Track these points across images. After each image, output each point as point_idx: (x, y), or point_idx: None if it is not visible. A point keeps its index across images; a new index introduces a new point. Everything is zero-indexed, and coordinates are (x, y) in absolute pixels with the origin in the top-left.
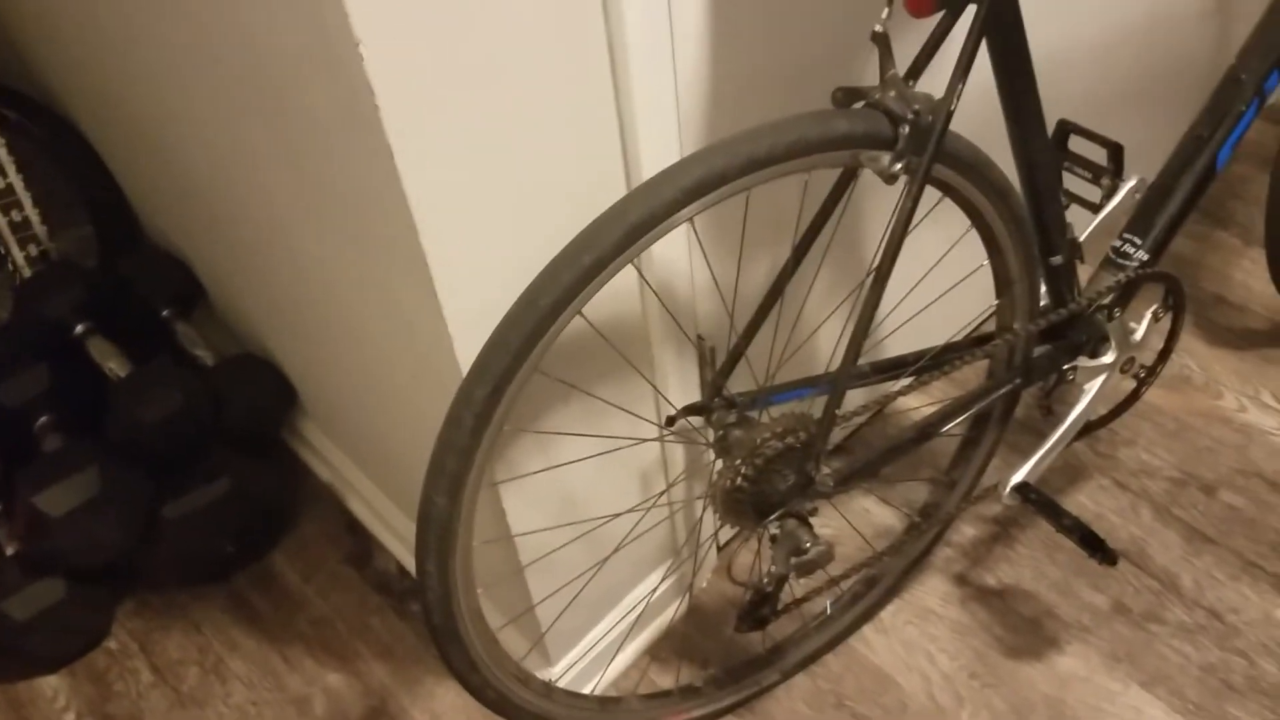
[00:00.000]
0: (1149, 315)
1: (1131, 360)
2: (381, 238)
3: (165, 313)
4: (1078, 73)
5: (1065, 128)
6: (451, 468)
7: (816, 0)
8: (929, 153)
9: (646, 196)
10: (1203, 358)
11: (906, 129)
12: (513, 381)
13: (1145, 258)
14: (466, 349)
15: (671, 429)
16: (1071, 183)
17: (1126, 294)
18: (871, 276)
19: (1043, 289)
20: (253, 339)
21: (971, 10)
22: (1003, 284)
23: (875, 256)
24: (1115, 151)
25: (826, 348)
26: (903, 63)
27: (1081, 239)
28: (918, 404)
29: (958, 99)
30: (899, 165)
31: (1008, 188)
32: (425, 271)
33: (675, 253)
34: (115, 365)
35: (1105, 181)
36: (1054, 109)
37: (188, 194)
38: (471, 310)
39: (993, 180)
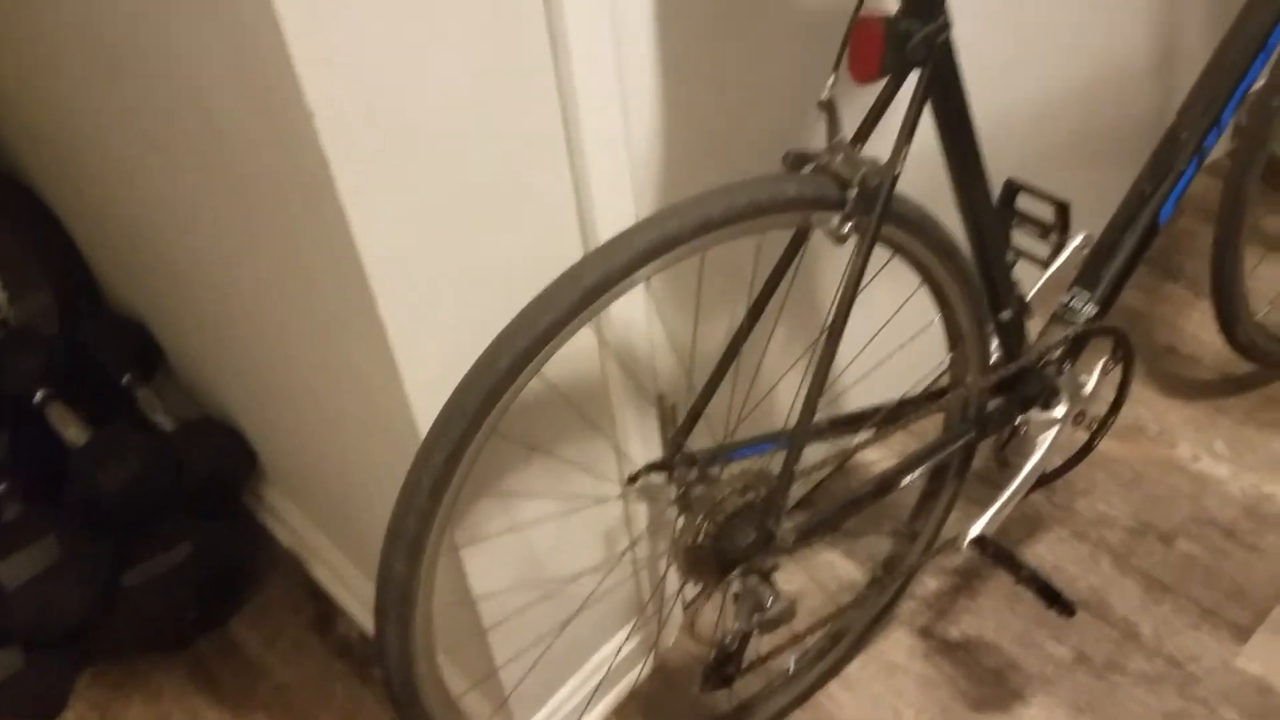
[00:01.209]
0: (1099, 368)
1: (1083, 413)
2: (339, 304)
3: (126, 378)
4: (1025, 131)
5: (1013, 185)
6: (410, 532)
7: (766, 67)
8: (876, 215)
9: (602, 259)
10: (1156, 408)
11: (854, 192)
12: (471, 445)
13: (1093, 312)
14: (425, 412)
15: (633, 486)
16: (1021, 239)
17: (1076, 348)
18: (825, 334)
19: (995, 343)
20: (214, 402)
21: (915, 76)
22: (954, 339)
23: (829, 314)
24: (1062, 209)
25: (788, 401)
26: (853, 125)
27: (1031, 294)
28: (880, 456)
29: (903, 162)
30: (848, 227)
31: (955, 246)
32: (383, 338)
33: (634, 311)
34: (74, 432)
35: (1053, 237)
36: (1002, 166)
37: (148, 260)
38: (429, 374)
39: (940, 239)
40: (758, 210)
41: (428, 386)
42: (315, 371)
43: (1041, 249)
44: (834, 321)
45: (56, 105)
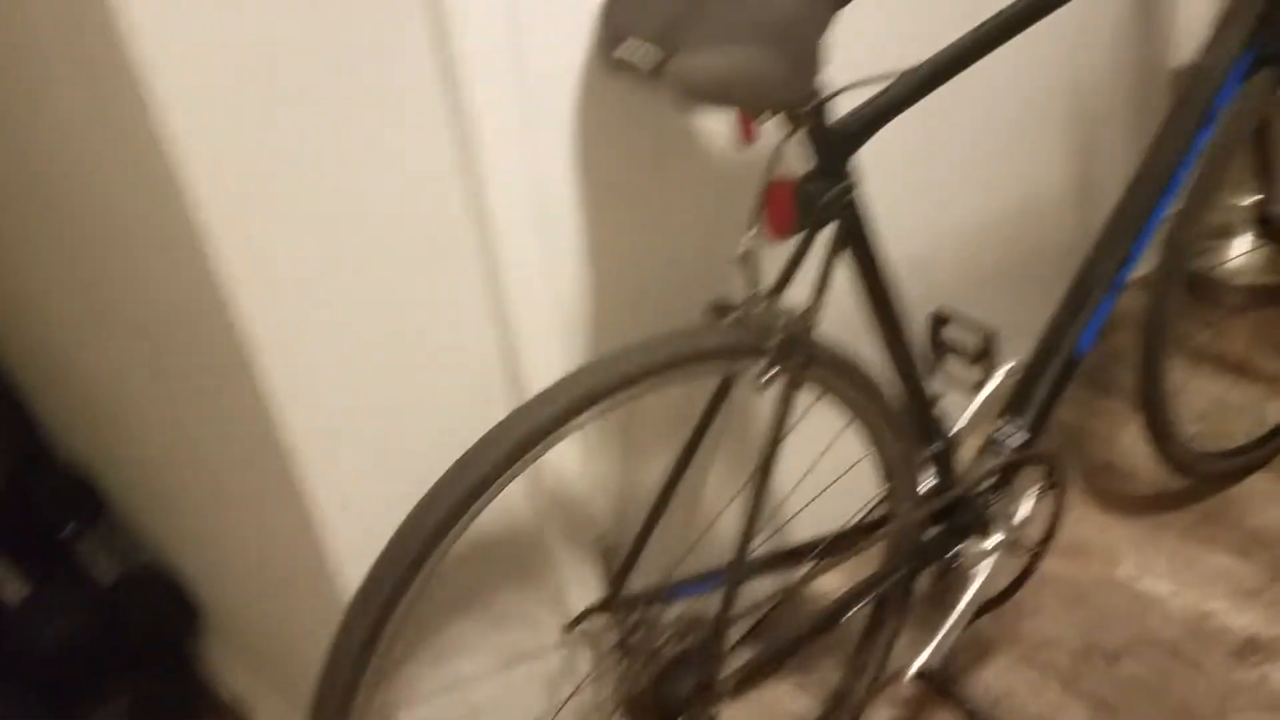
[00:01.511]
0: (1032, 495)
1: (1018, 540)
2: (263, 466)
3: (68, 528)
4: (952, 260)
5: (941, 316)
6: (334, 702)
7: (689, 222)
8: (796, 363)
9: (528, 416)
10: (1098, 525)
11: (774, 341)
12: (399, 606)
13: (1022, 440)
14: (353, 573)
15: (573, 632)
16: (953, 367)
17: (1007, 476)
18: (754, 478)
19: (929, 473)
20: (156, 550)
21: (828, 229)
22: (886, 472)
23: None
24: (988, 338)
25: (730, 537)
26: (774, 275)
27: (962, 424)
28: (838, 583)
29: (820, 311)
30: (769, 376)
31: (878, 385)
32: (303, 501)
33: (568, 455)
34: (14, 587)
35: (981, 366)
36: (930, 296)
37: (93, 411)
38: (355, 536)
39: (863, 379)
40: (680, 363)
41: (354, 547)
42: (252, 529)
43: (973, 377)
44: (761, 465)
45: (4, 274)
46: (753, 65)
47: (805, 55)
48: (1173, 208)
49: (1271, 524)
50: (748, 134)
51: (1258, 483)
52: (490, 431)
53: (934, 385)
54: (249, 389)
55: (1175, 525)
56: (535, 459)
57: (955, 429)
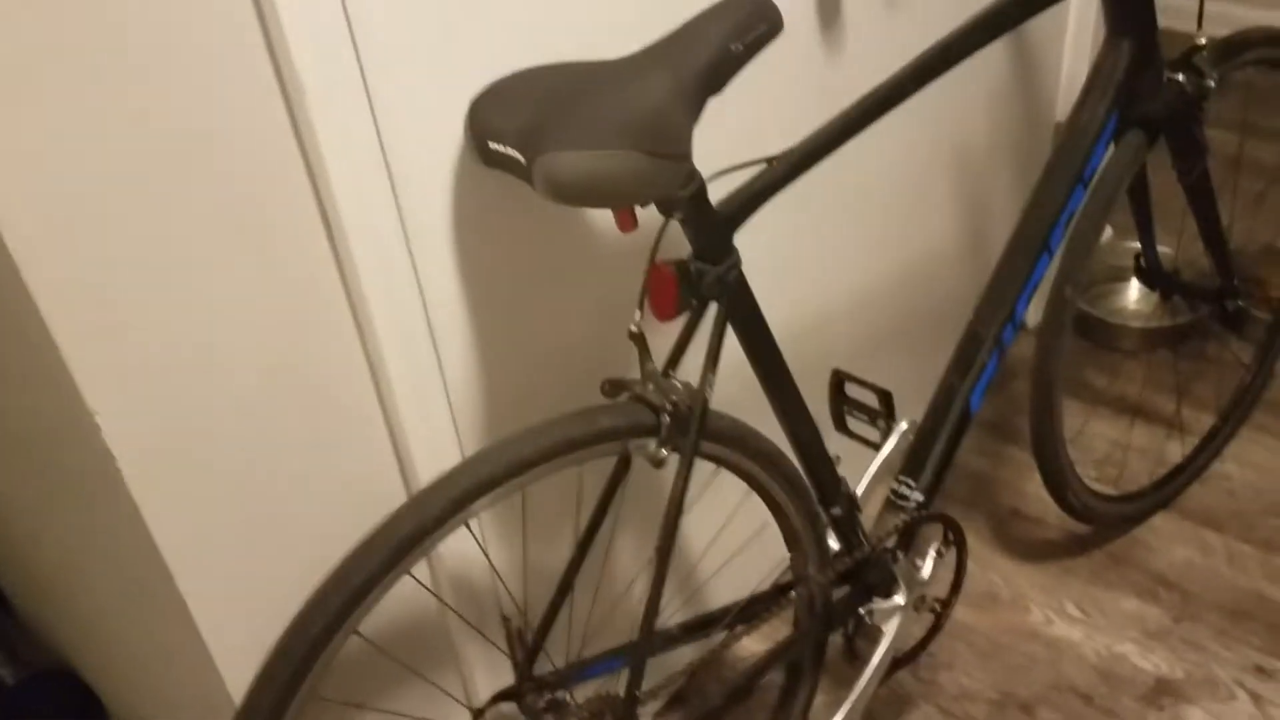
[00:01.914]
0: (933, 552)
1: (923, 597)
2: (145, 575)
3: None
4: (849, 322)
5: (839, 376)
6: None
7: (579, 304)
8: (691, 437)
9: (415, 511)
10: (1007, 573)
11: (667, 418)
12: (289, 707)
13: (920, 499)
14: (240, 681)
15: (483, 719)
16: (856, 426)
17: (908, 535)
18: (655, 554)
19: (834, 536)
20: (59, 651)
21: (714, 307)
22: (790, 538)
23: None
24: (885, 398)
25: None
26: (665, 351)
27: (865, 483)
28: (748, 652)
29: (711, 385)
30: (664, 452)
31: (776, 453)
32: (186, 614)
33: (467, 540)
34: None
35: (880, 425)
36: (829, 358)
37: None
38: (239, 644)
39: (759, 449)
40: (572, 445)
41: (240, 655)
42: (141, 633)
43: (874, 436)
44: (661, 541)
45: None
46: (619, 166)
47: (672, 149)
48: (1054, 264)
49: (1176, 564)
50: (627, 223)
51: (1161, 523)
52: (377, 528)
53: (834, 448)
54: (122, 501)
55: (1083, 569)
56: (427, 552)
57: (857, 490)
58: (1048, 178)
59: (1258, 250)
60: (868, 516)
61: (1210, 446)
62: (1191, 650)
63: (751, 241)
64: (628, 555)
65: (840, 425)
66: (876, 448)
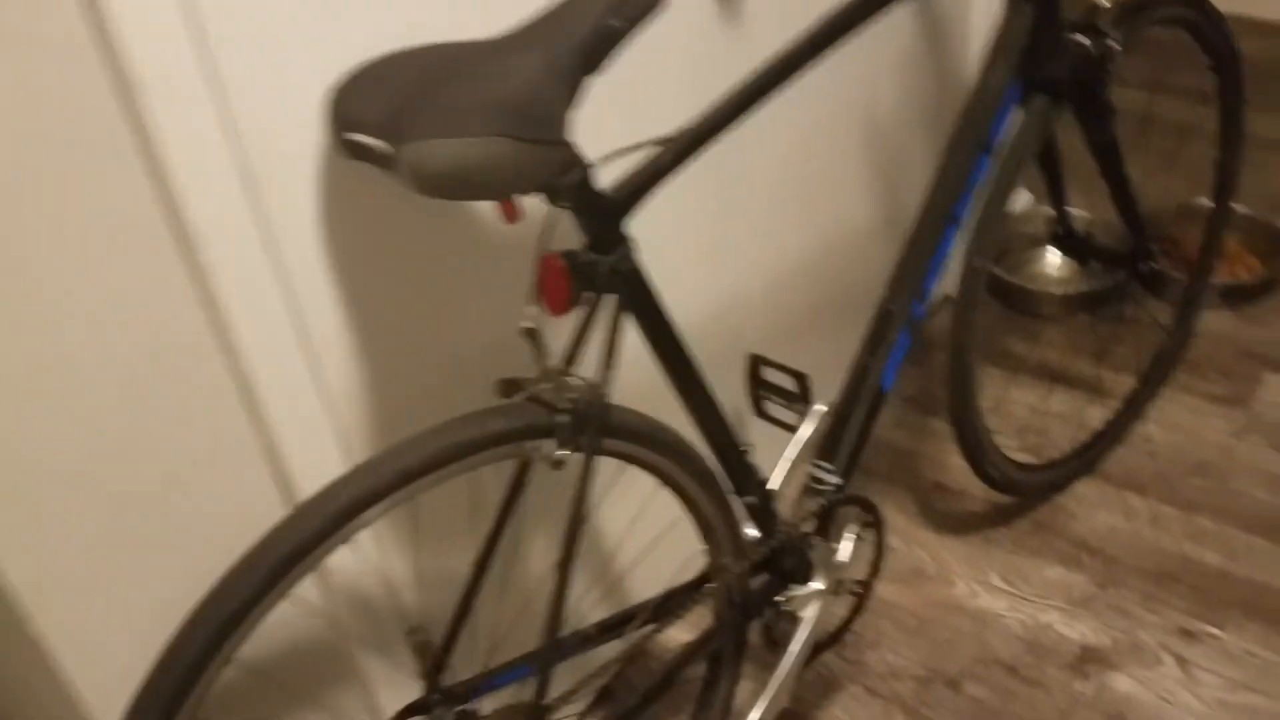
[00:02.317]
0: (852, 535)
1: (843, 580)
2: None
3: None
4: (763, 304)
5: (755, 361)
6: None
7: (467, 301)
8: (591, 435)
9: (293, 528)
10: (932, 547)
11: (565, 417)
12: None
13: (838, 482)
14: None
15: None
16: (776, 410)
17: (826, 518)
18: (559, 558)
19: (750, 524)
20: None
21: (611, 297)
22: (704, 530)
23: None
24: (800, 380)
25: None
26: (563, 347)
27: (780, 469)
28: (672, 645)
29: (610, 380)
30: (564, 452)
31: (683, 446)
32: (45, 653)
33: (364, 553)
34: None
35: (797, 408)
36: (745, 342)
37: None
38: (107, 681)
39: (665, 443)
40: (463, 452)
41: (106, 694)
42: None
43: (792, 420)
44: (562, 551)
45: None
46: (487, 154)
47: (545, 134)
48: (964, 235)
49: (1100, 529)
50: (510, 213)
51: (1085, 488)
52: (250, 549)
53: (749, 434)
54: None
55: (1006, 539)
56: (309, 570)
57: (776, 476)
58: (952, 148)
59: (1173, 209)
60: (790, 501)
61: (1131, 409)
62: (1117, 616)
63: (652, 226)
64: (538, 556)
65: (759, 410)
66: (794, 431)
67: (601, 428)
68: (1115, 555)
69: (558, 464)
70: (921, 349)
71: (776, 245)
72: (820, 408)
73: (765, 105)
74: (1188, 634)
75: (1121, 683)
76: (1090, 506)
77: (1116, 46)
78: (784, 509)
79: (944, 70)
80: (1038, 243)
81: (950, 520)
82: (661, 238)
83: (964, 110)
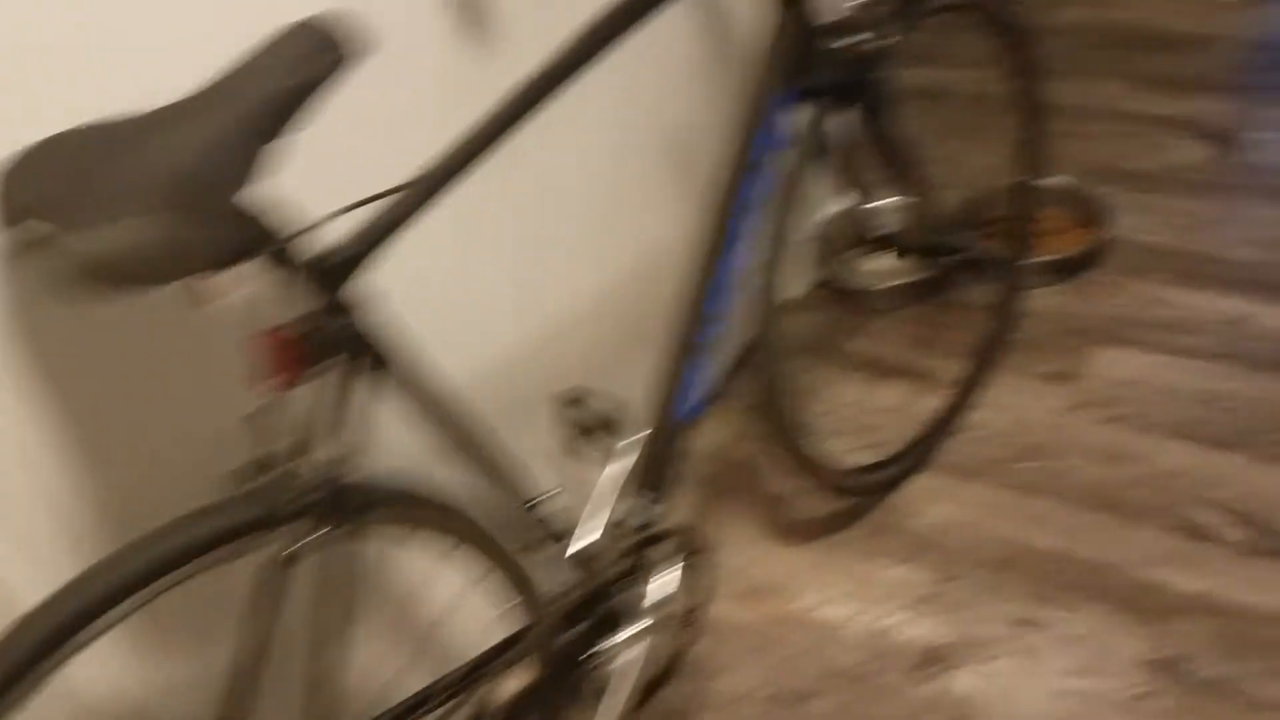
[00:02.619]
0: (673, 567)
1: (667, 615)
2: None
3: None
4: (578, 336)
5: (571, 395)
6: None
7: (191, 387)
8: (347, 513)
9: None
10: (774, 560)
11: (308, 500)
12: None
13: (654, 514)
14: None
15: None
16: (589, 446)
17: (644, 554)
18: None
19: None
20: None
21: (347, 364)
22: (508, 585)
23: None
24: (616, 410)
25: (359, 700)
26: (304, 424)
27: (597, 509)
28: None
29: (356, 453)
30: (308, 538)
31: (457, 506)
32: None
33: (111, 664)
34: None
35: (611, 442)
36: (557, 378)
37: None
38: None
39: (438, 506)
40: (186, 556)
41: None
42: None
43: (608, 452)
44: (310, 655)
45: None
46: (149, 236)
47: (224, 206)
48: (753, 252)
49: (937, 522)
50: (199, 294)
51: (922, 482)
52: None
53: (569, 471)
54: None
55: (847, 545)
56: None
57: (585, 517)
58: (724, 165)
59: (998, 189)
60: (604, 540)
61: (964, 397)
62: (958, 611)
63: (433, 270)
64: (320, 646)
65: (578, 445)
66: (614, 463)
67: (360, 502)
68: (954, 548)
69: (289, 560)
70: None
71: (580, 273)
72: (631, 440)
73: (536, 123)
74: (1029, 622)
75: (964, 680)
76: (929, 500)
77: (892, 42)
78: (598, 548)
79: (745, 72)
80: (858, 240)
81: (792, 531)
82: (446, 282)
83: (736, 125)
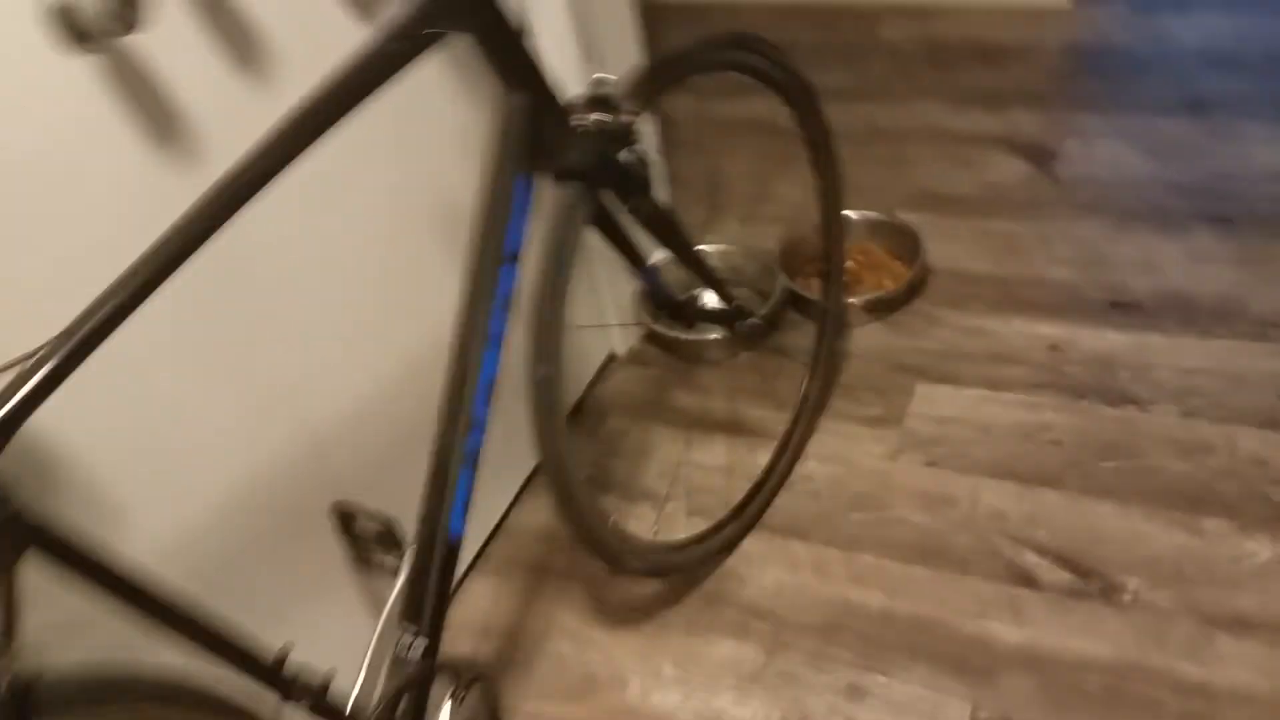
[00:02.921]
0: (450, 702)
1: None
2: None
3: None
4: (350, 447)
5: (342, 510)
6: None
7: None
8: None
9: None
10: (604, 648)
11: None
12: None
13: (424, 644)
14: None
15: None
16: (375, 561)
17: (421, 692)
18: None
19: None
20: None
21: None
22: None
23: None
24: (388, 526)
25: None
26: None
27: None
28: None
29: (28, 652)
30: None
31: (183, 685)
32: None
33: None
34: None
35: (392, 558)
36: (332, 489)
37: None
38: None
39: (151, 686)
40: None
41: None
42: None
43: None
44: None
45: None
46: None
47: None
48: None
49: (768, 587)
50: None
51: (751, 545)
52: None
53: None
54: None
55: (679, 621)
56: None
57: (367, 655)
58: (472, 261)
59: (810, 228)
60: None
61: (791, 449)
62: (786, 685)
63: (133, 414)
64: None
65: (361, 564)
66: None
67: (32, 713)
68: (783, 615)
69: None
70: (594, 419)
71: (354, 380)
72: (403, 561)
73: (278, 213)
74: (856, 689)
75: None
76: (758, 564)
77: (632, 118)
78: (360, 701)
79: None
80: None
81: (622, 612)
82: (172, 415)
83: (476, 218)
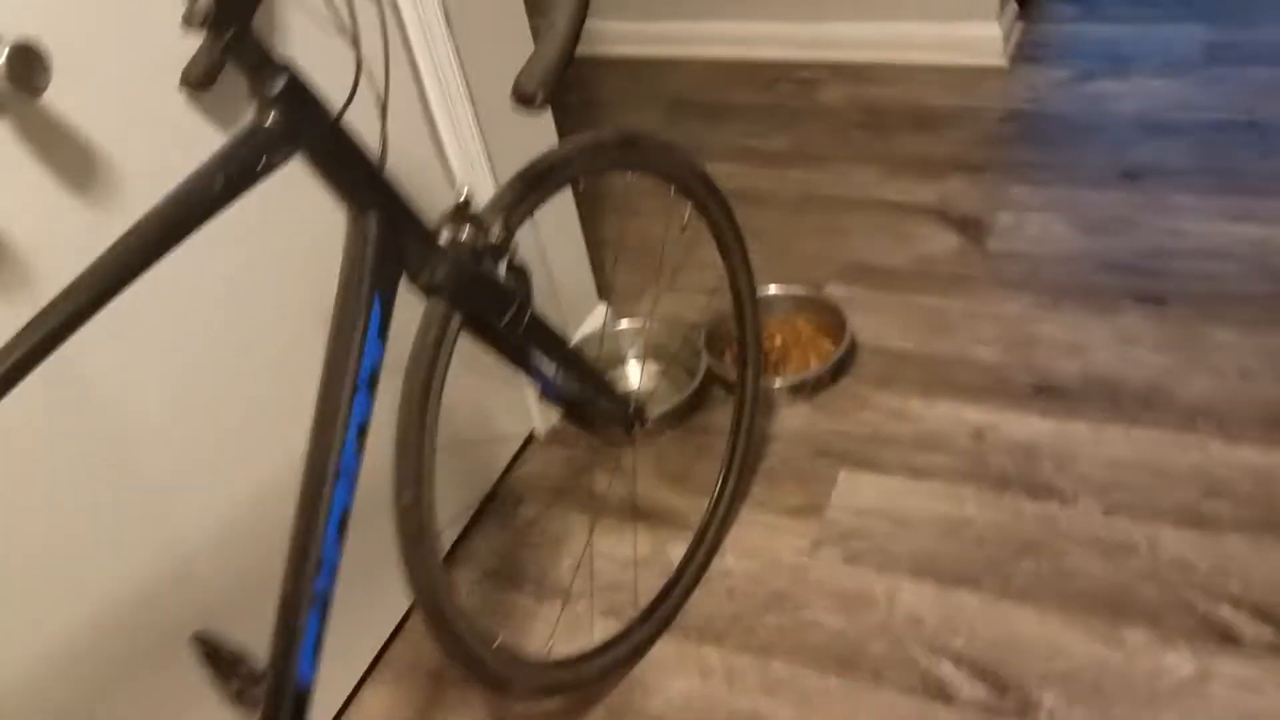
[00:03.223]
0: None
1: None
2: None
3: None
4: (215, 573)
5: (201, 641)
6: None
7: None
8: None
9: None
10: None
11: None
12: None
13: None
14: None
15: None
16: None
17: None
18: None
19: None
20: None
21: None
22: None
23: None
24: (245, 659)
25: None
26: None
27: None
28: None
29: None
30: None
31: None
32: None
33: None
34: None
35: (253, 697)
36: (203, 616)
37: None
38: None
39: None
40: None
41: None
42: None
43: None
44: None
45: None
46: None
47: None
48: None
49: (676, 700)
50: None
51: (661, 650)
52: None
53: None
54: None
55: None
56: None
57: None
58: (323, 389)
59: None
60: None
61: (706, 542)
62: None
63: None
64: None
65: (234, 699)
66: None
67: None
68: None
69: None
70: (509, 506)
71: (214, 500)
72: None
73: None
74: None
75: None
76: (668, 672)
77: (500, 232)
78: None
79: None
80: (614, 363)
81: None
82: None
83: (328, 345)
